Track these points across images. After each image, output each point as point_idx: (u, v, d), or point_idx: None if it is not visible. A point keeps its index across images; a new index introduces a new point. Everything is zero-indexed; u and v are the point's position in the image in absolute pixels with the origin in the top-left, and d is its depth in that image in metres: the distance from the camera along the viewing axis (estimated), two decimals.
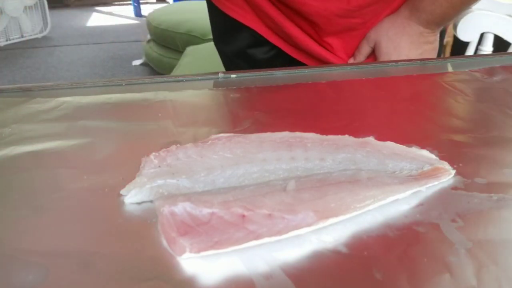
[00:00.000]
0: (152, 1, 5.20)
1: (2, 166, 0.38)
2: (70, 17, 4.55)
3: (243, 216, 0.30)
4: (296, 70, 0.61)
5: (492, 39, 1.12)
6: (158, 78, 0.57)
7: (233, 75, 0.58)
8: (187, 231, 0.29)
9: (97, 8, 4.99)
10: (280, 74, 0.59)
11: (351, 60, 0.73)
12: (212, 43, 0.87)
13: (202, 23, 2.50)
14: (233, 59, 0.81)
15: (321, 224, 0.30)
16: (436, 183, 0.35)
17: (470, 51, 1.13)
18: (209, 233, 0.29)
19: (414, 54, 0.68)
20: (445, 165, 0.37)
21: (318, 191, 0.32)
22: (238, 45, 0.78)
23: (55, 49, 3.59)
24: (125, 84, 0.56)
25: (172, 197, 0.32)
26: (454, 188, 0.35)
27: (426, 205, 0.33)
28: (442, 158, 0.38)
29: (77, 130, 0.44)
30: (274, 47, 0.76)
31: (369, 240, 0.30)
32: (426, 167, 0.36)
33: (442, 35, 0.75)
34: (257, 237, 0.29)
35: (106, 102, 0.50)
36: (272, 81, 0.57)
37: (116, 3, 5.19)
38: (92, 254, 0.28)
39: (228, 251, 0.28)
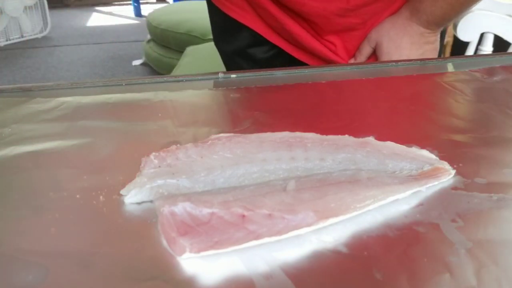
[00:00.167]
0: (152, 1, 5.20)
1: (2, 166, 0.38)
2: (70, 17, 4.55)
3: (243, 216, 0.30)
4: (296, 70, 0.61)
5: (492, 39, 1.12)
6: (158, 78, 0.57)
7: (233, 75, 0.58)
8: (187, 231, 0.29)
9: (97, 8, 4.99)
10: (280, 74, 0.59)
11: (351, 61, 0.73)
12: (212, 43, 0.87)
13: (202, 23, 2.50)
14: (233, 58, 0.81)
15: (321, 224, 0.30)
16: (436, 183, 0.35)
17: (470, 51, 1.13)
18: (209, 233, 0.29)
19: (415, 54, 0.68)
20: (445, 165, 0.37)
21: (318, 191, 0.32)
22: (238, 45, 0.78)
23: (55, 49, 3.59)
24: (125, 84, 0.56)
25: (172, 197, 0.32)
26: (454, 188, 0.35)
27: (426, 205, 0.33)
28: (442, 158, 0.38)
29: (77, 130, 0.44)
30: (274, 46, 0.76)
31: (369, 240, 0.30)
32: (426, 167, 0.36)
33: (443, 35, 0.75)
34: (257, 237, 0.29)
35: (106, 102, 0.50)
36: (272, 81, 0.57)
37: (116, 3, 5.19)
38: (92, 254, 0.28)
39: (228, 251, 0.28)
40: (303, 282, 0.26)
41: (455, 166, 0.37)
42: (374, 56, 0.72)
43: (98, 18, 4.58)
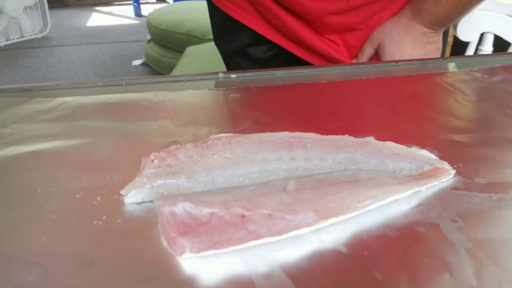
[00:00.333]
0: (152, 1, 5.20)
1: (2, 166, 0.38)
2: (70, 17, 4.55)
3: (243, 216, 0.30)
4: (296, 70, 0.61)
5: (492, 39, 1.12)
6: (158, 78, 0.57)
7: (233, 75, 0.58)
8: (187, 231, 0.29)
9: (97, 8, 4.98)
10: (280, 74, 0.59)
11: (353, 61, 0.73)
12: (212, 43, 0.87)
13: (202, 23, 2.50)
14: (233, 58, 0.81)
15: (321, 224, 0.30)
16: (436, 183, 0.35)
17: (470, 51, 1.14)
18: (209, 233, 0.29)
19: (417, 54, 0.68)
20: (445, 165, 0.37)
21: (318, 191, 0.32)
22: (238, 44, 0.78)
23: (55, 49, 3.59)
24: (125, 84, 0.56)
25: (172, 197, 0.32)
26: (454, 188, 0.35)
27: (426, 205, 0.33)
28: (442, 158, 0.38)
29: (77, 130, 0.44)
30: (274, 46, 0.76)
31: (369, 240, 0.30)
32: (426, 167, 0.36)
33: (445, 35, 0.75)
34: (257, 237, 0.29)
35: (106, 102, 0.50)
36: (272, 81, 0.57)
37: (116, 3, 5.18)
38: (92, 254, 0.28)
39: (228, 251, 0.28)
40: (303, 282, 0.26)
41: (455, 166, 0.37)
42: (376, 57, 0.72)
43: (98, 18, 4.57)
